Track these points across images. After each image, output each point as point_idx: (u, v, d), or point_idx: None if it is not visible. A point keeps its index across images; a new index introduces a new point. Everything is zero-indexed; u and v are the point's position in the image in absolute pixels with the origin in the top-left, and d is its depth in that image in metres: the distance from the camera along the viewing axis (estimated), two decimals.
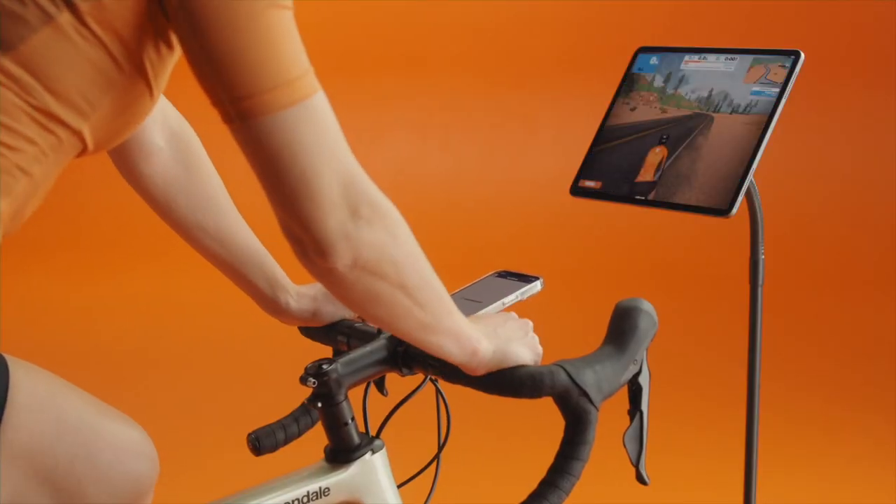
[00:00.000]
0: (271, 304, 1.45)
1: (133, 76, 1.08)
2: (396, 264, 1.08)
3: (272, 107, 1.01)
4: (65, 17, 1.02)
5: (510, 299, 1.37)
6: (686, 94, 2.08)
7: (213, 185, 1.44)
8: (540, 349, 1.25)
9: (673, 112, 2.08)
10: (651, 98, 2.12)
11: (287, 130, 1.01)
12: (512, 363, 1.22)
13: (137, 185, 1.42)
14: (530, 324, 1.27)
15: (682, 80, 2.10)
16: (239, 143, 1.04)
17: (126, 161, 1.40)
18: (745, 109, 1.98)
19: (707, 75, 2.07)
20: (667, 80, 2.12)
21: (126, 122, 1.11)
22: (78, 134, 1.06)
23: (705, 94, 2.05)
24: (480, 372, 1.21)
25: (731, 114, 2.00)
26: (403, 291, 1.10)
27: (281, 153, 1.02)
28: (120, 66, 1.06)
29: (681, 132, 2.05)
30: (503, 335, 1.22)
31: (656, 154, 2.03)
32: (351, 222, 1.04)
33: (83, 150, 1.09)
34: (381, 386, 1.42)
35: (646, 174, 2.03)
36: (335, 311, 1.46)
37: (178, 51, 1.12)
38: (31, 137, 1.04)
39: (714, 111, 2.03)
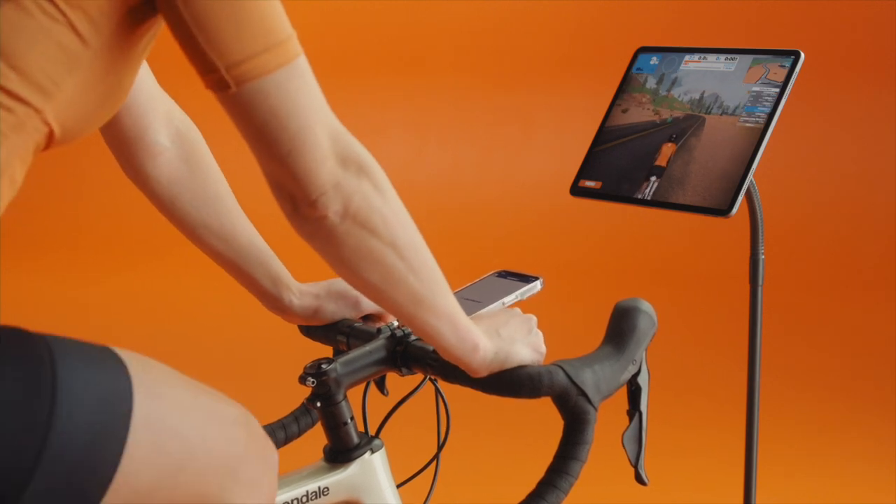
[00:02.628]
0: (275, 301, 1.45)
1: (101, 54, 1.06)
2: (385, 219, 1.10)
3: (267, 68, 1.03)
4: None
5: (510, 299, 1.37)
6: (686, 95, 2.08)
7: (218, 184, 1.44)
8: (543, 348, 1.25)
9: (674, 112, 2.08)
10: (646, 99, 2.12)
11: (282, 90, 1.04)
12: (514, 364, 1.21)
13: (143, 185, 1.42)
14: (534, 320, 1.26)
15: (682, 81, 2.10)
16: (231, 109, 1.05)
17: (131, 161, 1.40)
18: (745, 109, 1.98)
19: (707, 75, 2.07)
20: (667, 81, 2.12)
21: (95, 105, 1.10)
22: (40, 114, 1.04)
23: (706, 94, 2.05)
24: (482, 373, 1.21)
25: (731, 114, 2.00)
26: (395, 252, 1.11)
27: (277, 112, 1.04)
28: (86, 42, 1.05)
29: (682, 132, 2.05)
30: (505, 335, 1.22)
31: (669, 147, 2.04)
32: (341, 171, 1.07)
33: (50, 137, 1.08)
34: (381, 385, 1.42)
35: (662, 160, 2.03)
36: (336, 310, 1.46)
37: (149, 34, 1.12)
38: None
39: (714, 112, 2.03)
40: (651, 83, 2.13)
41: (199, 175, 1.43)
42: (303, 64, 1.06)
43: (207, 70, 1.04)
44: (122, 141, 1.39)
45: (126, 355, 1.06)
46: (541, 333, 1.25)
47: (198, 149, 1.44)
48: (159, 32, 1.12)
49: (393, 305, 1.15)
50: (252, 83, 1.03)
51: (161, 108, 1.40)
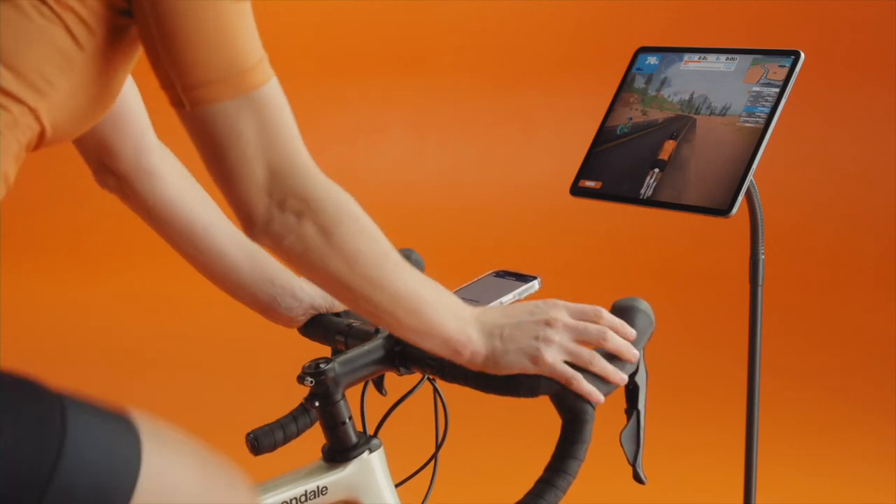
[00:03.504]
0: (289, 293, 1.44)
1: (94, 57, 1.08)
2: (325, 259, 1.10)
3: (220, 96, 1.05)
4: None
5: (508, 299, 1.37)
6: (677, 96, 2.08)
7: (201, 187, 1.45)
8: (547, 356, 1.17)
9: (675, 112, 2.08)
10: (634, 99, 2.12)
11: (227, 120, 1.05)
12: (504, 371, 1.19)
13: (152, 188, 1.39)
14: (557, 323, 1.18)
15: (682, 81, 2.10)
16: (185, 125, 1.08)
17: (141, 163, 1.38)
18: (745, 109, 1.98)
19: (707, 75, 2.07)
20: (666, 81, 2.12)
21: (86, 106, 1.11)
22: (34, 112, 1.06)
23: (706, 94, 2.05)
24: (472, 367, 1.21)
25: (729, 114, 2.00)
26: (340, 284, 1.12)
27: (220, 140, 1.06)
28: (80, 44, 1.06)
29: (682, 132, 2.05)
30: (507, 337, 1.18)
31: (671, 144, 2.04)
32: (276, 211, 1.08)
33: (41, 136, 1.09)
34: (379, 385, 1.42)
35: (664, 155, 2.03)
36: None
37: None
38: None
39: (714, 111, 2.03)
40: (651, 83, 2.13)
41: (189, 178, 1.44)
42: (262, 95, 1.07)
43: (166, 85, 1.06)
44: (132, 142, 1.38)
45: (140, 421, 1.05)
46: (553, 338, 1.17)
47: (172, 154, 1.45)
48: None
49: (357, 312, 1.18)
50: (203, 108, 1.05)
51: (145, 115, 1.40)
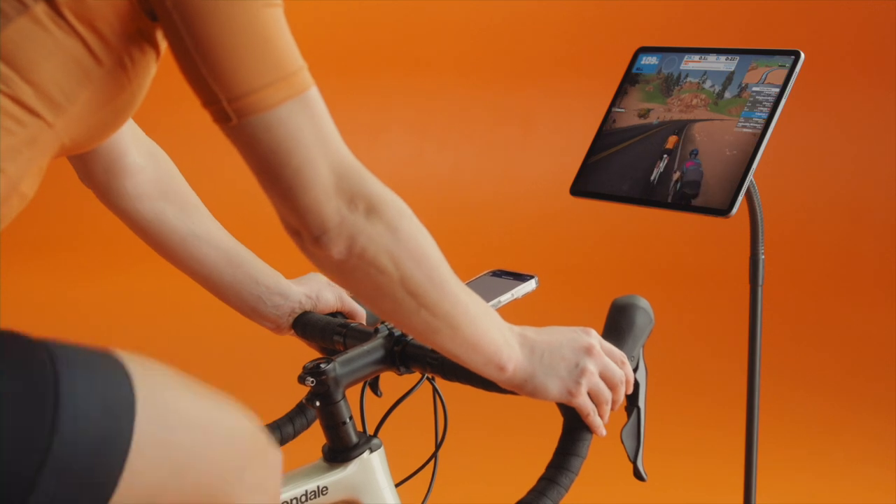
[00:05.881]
0: (276, 298, 1.45)
1: (113, 71, 1.06)
2: (395, 258, 1.06)
3: (269, 103, 1.01)
4: (40, 8, 1.01)
5: (506, 298, 1.37)
6: (686, 95, 2.08)
7: (191, 193, 1.45)
8: (578, 392, 1.18)
9: (674, 113, 2.08)
10: (644, 99, 2.12)
11: (283, 125, 1.02)
12: (539, 395, 1.18)
13: (125, 206, 1.40)
14: (595, 362, 1.19)
15: (682, 81, 2.10)
16: (234, 141, 1.04)
17: (112, 185, 1.39)
18: (745, 109, 1.98)
19: (706, 75, 2.07)
20: (668, 81, 2.12)
21: (106, 120, 1.10)
22: (53, 128, 1.04)
23: (706, 94, 2.05)
24: (507, 386, 1.19)
25: (730, 114, 2.00)
26: (405, 288, 1.08)
27: (278, 148, 1.02)
28: (99, 59, 1.05)
29: (682, 132, 2.05)
30: (547, 362, 1.18)
31: (674, 139, 2.04)
32: (346, 210, 1.04)
33: (61, 148, 1.08)
34: (375, 387, 1.42)
35: (669, 145, 2.03)
36: (333, 294, 1.48)
37: (161, 50, 1.11)
38: (5, 130, 1.02)
39: (714, 111, 2.03)
40: (651, 83, 2.13)
41: (175, 187, 1.43)
42: (311, 97, 1.04)
43: (209, 101, 1.03)
44: (103, 166, 1.38)
45: (127, 358, 1.04)
46: (590, 368, 1.18)
47: (166, 162, 1.44)
48: None
49: (411, 331, 1.14)
50: (254, 117, 1.01)
51: (129, 127, 1.39)
